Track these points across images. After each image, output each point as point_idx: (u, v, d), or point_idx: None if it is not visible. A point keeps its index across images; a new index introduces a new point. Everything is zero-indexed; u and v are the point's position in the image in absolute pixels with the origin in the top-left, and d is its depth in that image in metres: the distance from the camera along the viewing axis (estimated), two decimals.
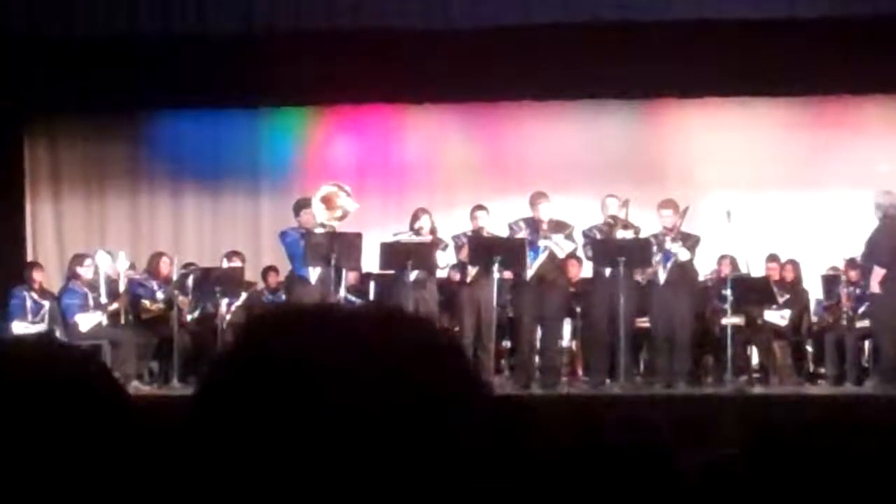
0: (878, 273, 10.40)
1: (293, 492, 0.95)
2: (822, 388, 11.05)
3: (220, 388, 1.01)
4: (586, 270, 11.73)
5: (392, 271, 10.98)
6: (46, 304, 11.41)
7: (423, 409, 0.97)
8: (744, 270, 11.87)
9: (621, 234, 10.88)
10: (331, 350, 0.98)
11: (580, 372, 11.80)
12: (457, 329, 11.20)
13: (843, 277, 11.49)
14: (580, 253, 11.32)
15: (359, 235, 10.67)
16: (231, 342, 1.04)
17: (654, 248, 10.80)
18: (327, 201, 10.72)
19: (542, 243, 10.80)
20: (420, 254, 10.74)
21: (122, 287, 11.52)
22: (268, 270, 12.65)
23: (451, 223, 11.45)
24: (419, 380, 0.99)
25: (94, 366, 1.20)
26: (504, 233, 11.16)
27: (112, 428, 1.13)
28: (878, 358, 10.69)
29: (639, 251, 10.79)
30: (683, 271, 10.90)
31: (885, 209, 10.58)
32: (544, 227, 10.83)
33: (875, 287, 10.46)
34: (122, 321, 11.46)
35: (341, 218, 10.72)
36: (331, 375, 0.97)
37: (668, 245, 10.80)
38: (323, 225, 10.66)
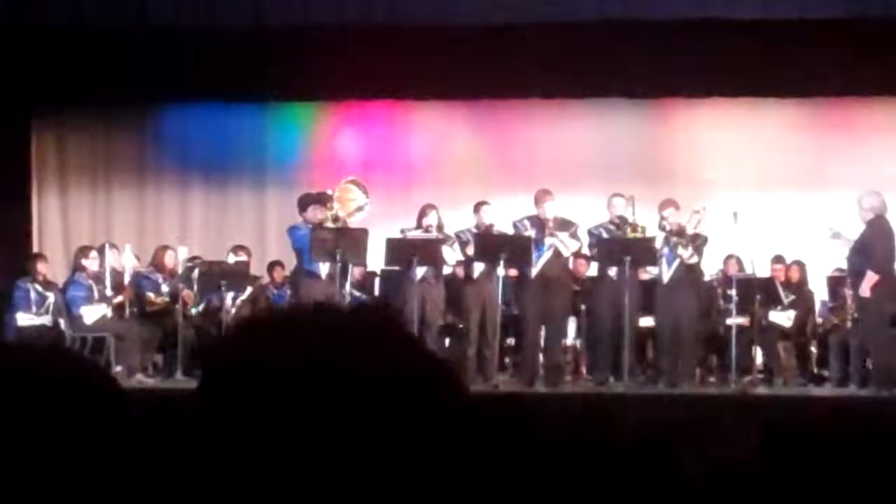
0: (871, 278, 10.32)
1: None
2: (826, 390, 11.02)
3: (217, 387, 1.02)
4: (591, 269, 11.74)
5: (398, 267, 10.96)
6: (50, 295, 11.41)
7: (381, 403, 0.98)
8: (749, 271, 11.85)
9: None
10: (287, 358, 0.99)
11: (584, 370, 11.79)
12: (461, 326, 11.22)
13: (849, 279, 11.44)
14: (584, 251, 11.31)
15: (364, 231, 10.65)
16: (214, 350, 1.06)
17: (661, 248, 10.80)
18: (339, 197, 10.74)
19: (547, 241, 10.78)
20: (426, 250, 10.72)
21: (127, 280, 11.54)
22: (273, 265, 12.63)
23: (456, 220, 11.43)
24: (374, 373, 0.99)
25: (89, 365, 1.20)
26: (509, 231, 11.13)
27: (108, 425, 1.13)
28: (864, 361, 10.69)
29: (644, 250, 10.78)
30: (689, 271, 10.90)
31: (877, 210, 10.50)
32: (550, 224, 10.81)
33: (866, 292, 10.38)
34: (127, 314, 11.48)
35: (359, 210, 10.71)
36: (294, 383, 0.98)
37: (675, 245, 10.79)
38: (336, 219, 10.65)
